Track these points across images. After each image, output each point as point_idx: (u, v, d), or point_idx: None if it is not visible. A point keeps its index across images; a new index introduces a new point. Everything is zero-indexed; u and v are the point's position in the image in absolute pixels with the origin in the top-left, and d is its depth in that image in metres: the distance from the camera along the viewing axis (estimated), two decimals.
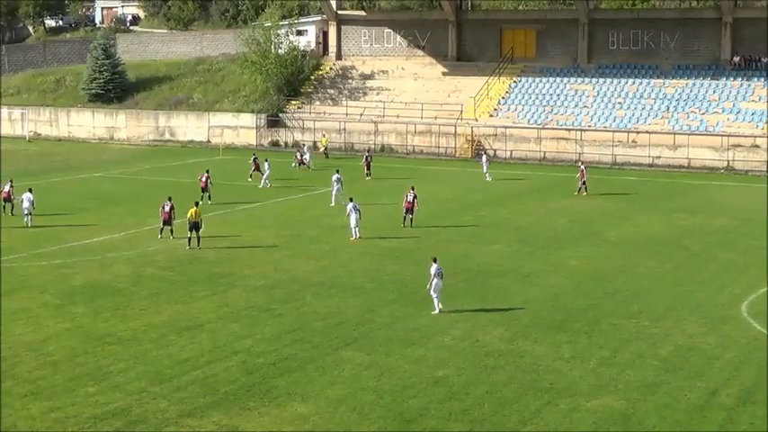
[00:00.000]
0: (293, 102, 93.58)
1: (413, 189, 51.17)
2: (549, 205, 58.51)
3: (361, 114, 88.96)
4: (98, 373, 28.76)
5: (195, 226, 45.78)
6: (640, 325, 33.77)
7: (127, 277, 40.61)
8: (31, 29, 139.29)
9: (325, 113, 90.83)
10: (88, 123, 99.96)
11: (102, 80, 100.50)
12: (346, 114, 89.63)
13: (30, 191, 52.53)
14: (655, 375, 28.58)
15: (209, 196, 57.78)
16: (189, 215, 45.91)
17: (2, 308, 35.78)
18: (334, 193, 57.54)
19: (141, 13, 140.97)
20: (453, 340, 31.98)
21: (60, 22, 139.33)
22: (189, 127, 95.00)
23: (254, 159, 68.42)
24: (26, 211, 51.63)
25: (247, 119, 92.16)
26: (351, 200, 48.73)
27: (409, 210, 50.45)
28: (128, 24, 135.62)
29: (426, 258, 43.92)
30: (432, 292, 35.08)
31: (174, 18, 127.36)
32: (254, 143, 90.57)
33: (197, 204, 47.42)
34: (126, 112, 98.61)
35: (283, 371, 28.97)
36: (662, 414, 25.60)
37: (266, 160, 66.35)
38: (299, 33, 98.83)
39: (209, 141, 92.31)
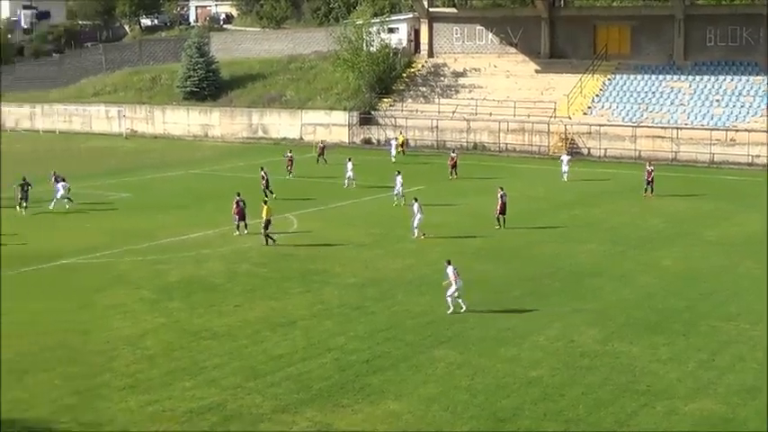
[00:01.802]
0: (385, 99, 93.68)
1: (502, 189, 50.65)
2: (642, 204, 57.68)
3: (454, 112, 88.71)
4: (194, 368, 29.09)
5: (267, 223, 46.17)
6: (740, 327, 33.07)
7: (221, 273, 41.02)
8: (127, 28, 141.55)
9: (417, 111, 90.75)
10: (183, 121, 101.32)
11: (196, 78, 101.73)
12: (438, 112, 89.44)
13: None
14: (755, 379, 27.97)
15: (271, 191, 57.78)
16: (264, 213, 46.13)
17: (100, 303, 36.43)
18: (396, 192, 57.15)
19: (234, 12, 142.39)
20: (547, 340, 31.69)
21: (156, 21, 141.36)
22: (282, 124, 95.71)
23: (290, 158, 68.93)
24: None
25: (339, 116, 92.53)
26: (416, 200, 48.42)
27: (502, 210, 49.92)
28: (221, 23, 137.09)
29: (517, 257, 43.87)
30: (450, 294, 34.76)
31: (266, 16, 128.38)
32: (347, 140, 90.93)
33: (265, 203, 47.60)
34: (220, 109, 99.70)
35: (376, 368, 28.98)
36: (763, 419, 25.03)
37: (349, 159, 66.11)
38: (391, 31, 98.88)
39: (301, 139, 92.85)
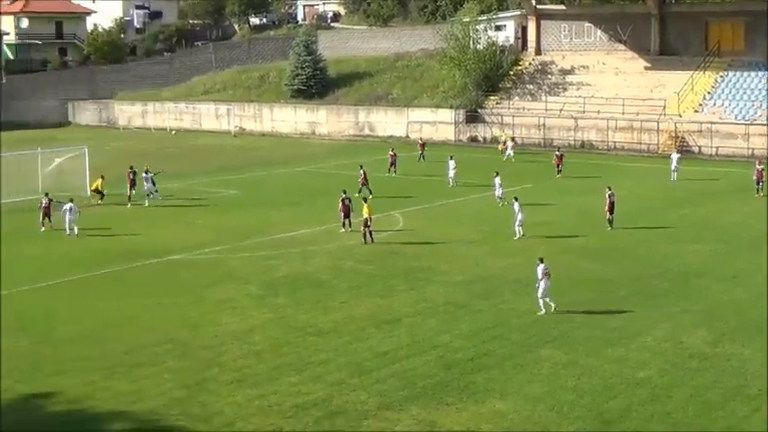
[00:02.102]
0: (492, 97, 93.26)
1: (610, 188, 49.91)
2: (755, 204, 56.36)
3: (561, 110, 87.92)
4: (300, 364, 29.34)
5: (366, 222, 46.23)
6: None
7: (328, 270, 41.28)
8: (236, 27, 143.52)
9: (523, 109, 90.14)
10: (290, 119, 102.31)
11: (303, 76, 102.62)
12: (545, 110, 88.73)
13: (71, 201, 50.37)
14: None
15: (369, 190, 57.81)
16: (364, 211, 46.22)
17: (209, 298, 36.97)
18: (498, 195, 56.66)
19: (342, 10, 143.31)
20: (655, 341, 31.19)
21: (264, 20, 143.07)
22: (388, 122, 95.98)
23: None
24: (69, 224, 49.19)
25: (446, 114, 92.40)
26: (515, 199, 47.95)
27: (610, 210, 49.20)
28: (329, 21, 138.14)
29: (624, 257, 43.26)
30: (539, 294, 34.33)
31: (373, 14, 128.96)
32: (453, 138, 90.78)
33: (365, 200, 47.66)
34: (327, 107, 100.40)
35: (481, 367, 28.86)
36: None
37: (451, 157, 65.63)
38: (498, 29, 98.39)
39: (407, 136, 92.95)
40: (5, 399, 26.69)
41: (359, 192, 55.88)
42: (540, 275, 34.20)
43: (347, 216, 48.39)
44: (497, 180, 56.38)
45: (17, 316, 34.70)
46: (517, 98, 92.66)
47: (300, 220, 52.69)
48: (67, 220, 48.89)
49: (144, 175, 58.57)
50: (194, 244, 46.40)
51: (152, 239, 47.69)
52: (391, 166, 69.33)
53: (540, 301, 34.31)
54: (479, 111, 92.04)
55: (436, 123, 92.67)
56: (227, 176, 69.91)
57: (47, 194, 51.70)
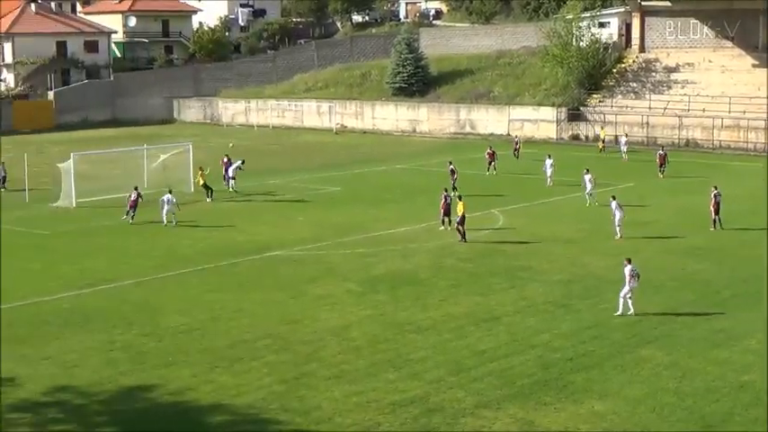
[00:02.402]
0: (594, 95, 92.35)
1: (716, 188, 49.03)
2: None
3: (665, 108, 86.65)
4: (398, 360, 29.43)
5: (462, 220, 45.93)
6: None
7: (427, 267, 41.32)
8: (339, 25, 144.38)
9: (627, 107, 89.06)
10: (391, 116, 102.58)
11: (405, 74, 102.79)
12: (649, 108, 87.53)
13: (170, 192, 51.32)
14: None
15: (455, 188, 57.46)
16: (459, 209, 45.98)
17: (309, 294, 37.30)
18: (587, 192, 56.03)
19: (444, 8, 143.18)
20: (759, 344, 30.55)
21: (366, 18, 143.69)
22: (489, 120, 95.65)
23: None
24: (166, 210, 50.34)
25: (547, 112, 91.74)
26: (613, 198, 47.25)
27: (716, 210, 48.32)
28: (431, 19, 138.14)
29: (730, 257, 42.46)
30: (623, 295, 33.74)
31: (476, 12, 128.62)
32: (554, 137, 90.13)
33: (460, 198, 47.28)
34: (428, 105, 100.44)
35: (580, 367, 28.63)
36: None
37: (548, 156, 64.83)
38: (602, 26, 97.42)
39: (508, 134, 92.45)
40: (110, 390, 27.30)
41: (453, 189, 55.60)
42: (627, 276, 33.77)
43: (446, 214, 48.34)
44: (588, 177, 55.78)
45: (123, 309, 35.47)
46: (620, 96, 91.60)
47: (401, 217, 52.82)
48: (165, 210, 49.82)
49: (232, 166, 60.24)
50: (295, 240, 46.82)
51: (254, 235, 48.24)
52: (490, 164, 69.07)
53: (621, 301, 33.90)
54: (581, 109, 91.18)
55: (537, 121, 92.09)
56: (328, 173, 70.40)
57: (136, 188, 52.79)
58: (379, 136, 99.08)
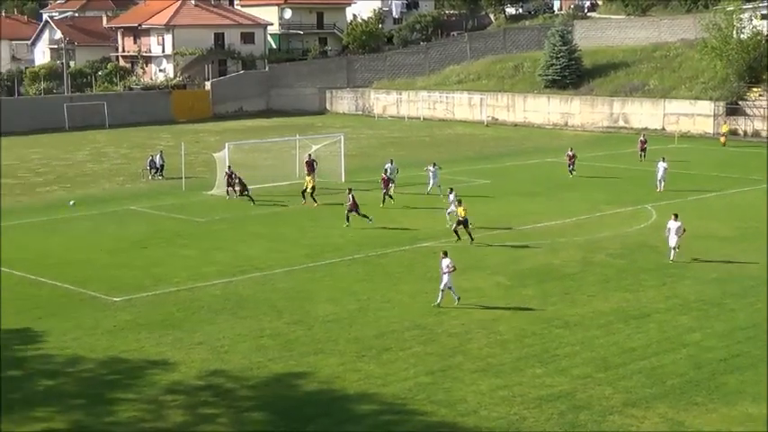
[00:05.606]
0: (754, 89, 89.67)
1: None
2: None
3: None
4: (545, 356, 29.22)
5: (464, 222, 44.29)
6: None
7: (576, 263, 40.86)
8: (492, 17, 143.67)
9: None
10: (543, 109, 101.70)
11: (558, 66, 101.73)
12: None
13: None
14: None
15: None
16: (460, 213, 44.23)
17: (457, 286, 37.25)
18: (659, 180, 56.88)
19: (599, 0, 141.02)
20: None
21: (520, 10, 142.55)
22: (643, 114, 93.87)
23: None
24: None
25: (705, 106, 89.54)
26: None
27: None
28: (585, 11, 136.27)
29: None
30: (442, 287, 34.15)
31: (632, 3, 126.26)
32: (711, 131, 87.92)
33: (460, 202, 44.94)
34: (580, 98, 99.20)
35: (734, 368, 27.91)
36: None
37: (663, 159, 62.25)
38: (764, 17, 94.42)
39: (663, 129, 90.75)
40: (259, 376, 27.84)
41: (571, 172, 58.44)
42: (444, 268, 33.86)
43: None
44: (662, 165, 57.23)
45: (273, 296, 36.11)
46: None
47: (550, 211, 52.35)
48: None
49: (431, 168, 58.03)
50: (444, 232, 46.78)
51: (404, 227, 48.44)
52: (641, 152, 69.19)
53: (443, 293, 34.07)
54: (740, 103, 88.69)
55: (694, 116, 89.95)
56: (478, 166, 70.26)
57: (229, 167, 56.60)
58: (531, 129, 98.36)
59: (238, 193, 55.89)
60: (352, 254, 42.80)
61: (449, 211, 47.78)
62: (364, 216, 48.08)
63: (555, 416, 24.70)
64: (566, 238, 45.56)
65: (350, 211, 48.50)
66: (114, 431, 24.42)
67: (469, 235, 44.48)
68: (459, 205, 44.62)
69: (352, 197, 48.67)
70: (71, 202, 46.26)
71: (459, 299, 34.48)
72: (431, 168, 57.75)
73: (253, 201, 54.86)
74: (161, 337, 31.45)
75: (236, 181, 56.30)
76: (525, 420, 24.52)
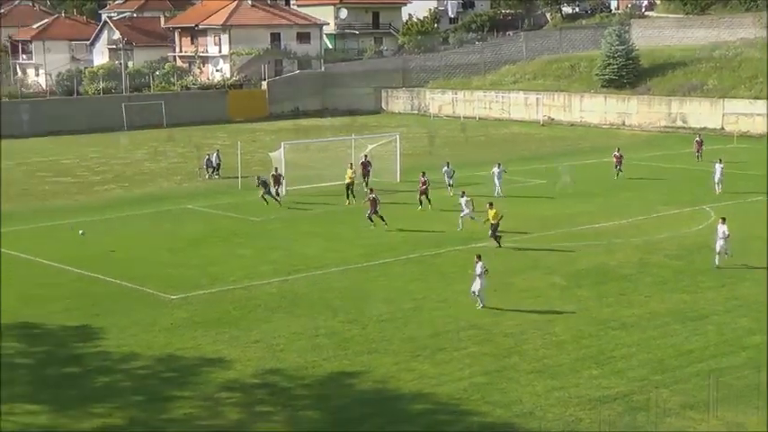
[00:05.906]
0: None
1: None
2: None
3: None
4: (601, 357, 29.01)
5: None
6: None
7: (633, 263, 40.50)
8: (548, 16, 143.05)
9: None
10: (600, 109, 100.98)
11: (615, 66, 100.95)
12: None
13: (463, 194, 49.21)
14: None
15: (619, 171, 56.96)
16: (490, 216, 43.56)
17: (514, 286, 37.14)
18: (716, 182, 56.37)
19: None
20: None
21: (577, 9, 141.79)
22: (702, 114, 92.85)
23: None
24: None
25: (764, 106, 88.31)
26: None
27: None
28: (643, 10, 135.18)
29: None
30: (473, 291, 33.82)
31: (690, 2, 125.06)
32: None
33: (491, 205, 44.21)
34: (638, 98, 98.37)
35: None
36: None
37: (720, 160, 61.39)
38: None
39: (722, 129, 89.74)
40: (314, 374, 27.91)
41: (618, 173, 58.36)
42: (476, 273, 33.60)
43: None
44: (719, 166, 56.48)
45: (328, 295, 36.19)
46: None
47: (606, 211, 51.96)
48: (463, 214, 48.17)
49: (496, 170, 57.25)
50: (500, 232, 46.53)
51: (457, 226, 48.21)
52: (698, 152, 69.03)
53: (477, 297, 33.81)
54: None
55: (753, 116, 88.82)
56: (534, 166, 69.93)
57: (276, 169, 56.70)
58: (587, 129, 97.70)
59: (268, 193, 54.45)
60: (407, 253, 42.78)
61: (462, 215, 47.41)
62: (381, 218, 47.75)
63: (611, 417, 24.49)
64: (622, 239, 45.18)
65: (373, 212, 47.69)
66: (170, 428, 24.62)
67: (496, 240, 43.57)
68: (491, 208, 43.73)
69: (374, 197, 47.99)
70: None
71: (483, 306, 34.14)
72: (495, 170, 57.36)
73: (271, 201, 54.26)
74: (217, 334, 31.66)
75: (280, 181, 56.20)
76: (581, 422, 24.35)
